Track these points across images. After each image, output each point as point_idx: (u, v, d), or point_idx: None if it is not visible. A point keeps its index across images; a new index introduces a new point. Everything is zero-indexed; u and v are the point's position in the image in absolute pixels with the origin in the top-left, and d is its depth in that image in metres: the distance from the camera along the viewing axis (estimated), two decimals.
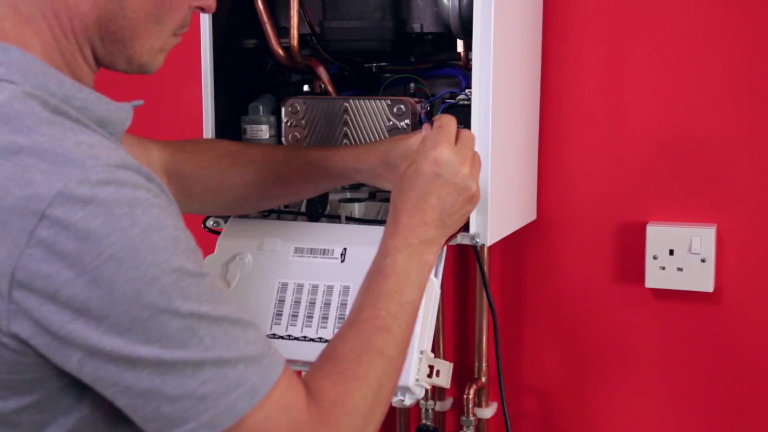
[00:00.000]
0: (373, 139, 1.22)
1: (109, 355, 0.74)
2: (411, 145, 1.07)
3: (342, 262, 1.13)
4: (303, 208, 1.27)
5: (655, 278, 1.33)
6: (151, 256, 0.74)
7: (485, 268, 1.40)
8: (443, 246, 1.01)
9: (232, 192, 1.16)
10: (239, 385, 0.78)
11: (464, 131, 1.01)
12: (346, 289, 1.11)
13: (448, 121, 1.01)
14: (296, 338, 1.11)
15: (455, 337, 1.47)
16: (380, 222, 1.22)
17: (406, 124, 1.21)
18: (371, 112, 1.22)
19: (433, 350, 1.46)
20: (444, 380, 1.08)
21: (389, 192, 1.12)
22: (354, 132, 1.23)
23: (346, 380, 0.88)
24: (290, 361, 1.09)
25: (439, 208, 0.98)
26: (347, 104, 1.23)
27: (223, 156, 1.16)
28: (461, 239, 1.15)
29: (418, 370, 1.05)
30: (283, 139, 1.27)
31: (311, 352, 1.09)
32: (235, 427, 0.78)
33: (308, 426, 0.83)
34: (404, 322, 0.94)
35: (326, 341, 1.08)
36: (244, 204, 1.19)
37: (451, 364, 1.09)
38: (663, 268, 1.32)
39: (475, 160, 1.01)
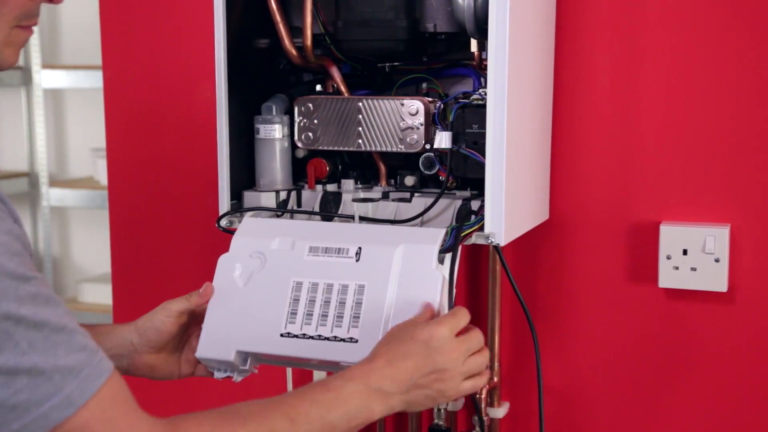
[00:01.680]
0: (386, 139, 1.22)
1: None
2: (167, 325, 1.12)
3: (357, 261, 1.13)
4: (316, 207, 1.27)
5: (668, 278, 1.33)
6: None
7: (497, 267, 1.40)
8: (386, 413, 1.01)
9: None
10: (53, 395, 0.77)
11: (475, 331, 1.06)
12: (361, 288, 1.11)
13: (461, 313, 1.05)
14: (311, 337, 1.11)
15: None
16: (394, 222, 1.22)
17: (420, 124, 1.21)
18: (384, 112, 1.22)
19: None
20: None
21: (404, 190, 1.12)
22: (367, 132, 1.23)
23: (216, 426, 0.88)
24: (304, 360, 1.10)
25: (411, 374, 1.00)
26: (360, 104, 1.23)
27: None
28: (476, 239, 1.15)
29: None
30: (296, 138, 1.27)
31: (326, 351, 1.09)
32: None
33: None
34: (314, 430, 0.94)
35: (341, 340, 1.08)
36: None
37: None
38: (676, 268, 1.32)
39: (468, 362, 1.03)
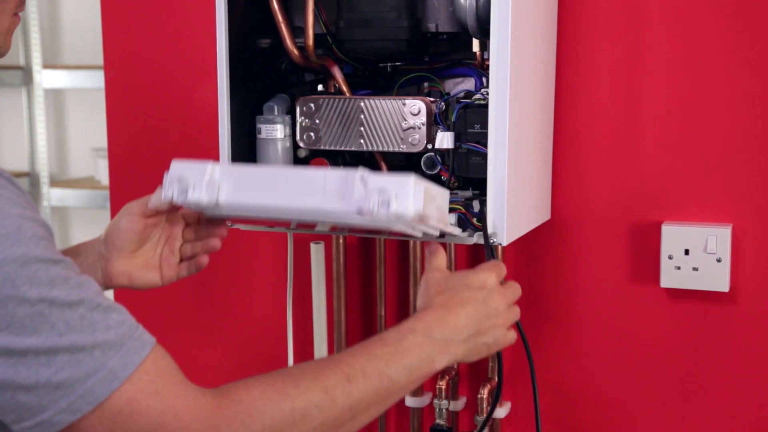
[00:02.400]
0: (387, 139, 1.22)
1: None
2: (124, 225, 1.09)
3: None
4: None
5: (670, 278, 1.33)
6: None
7: None
8: (449, 363, 0.99)
9: None
10: (97, 371, 0.78)
11: (513, 282, 1.08)
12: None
13: (501, 264, 1.08)
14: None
15: None
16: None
17: (422, 124, 1.21)
18: (386, 112, 1.22)
19: None
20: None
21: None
22: (368, 131, 1.23)
23: (266, 389, 0.86)
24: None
25: (474, 321, 1.00)
26: (362, 104, 1.23)
27: None
28: (477, 239, 1.15)
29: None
30: (297, 138, 1.27)
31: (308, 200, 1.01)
32: (98, 411, 0.78)
33: (190, 413, 0.82)
34: (372, 389, 0.91)
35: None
36: None
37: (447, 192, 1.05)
38: (678, 268, 1.32)
39: (512, 309, 1.06)
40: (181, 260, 1.15)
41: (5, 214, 0.76)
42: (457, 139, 1.20)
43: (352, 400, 0.89)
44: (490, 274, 1.04)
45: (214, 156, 1.28)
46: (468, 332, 1.00)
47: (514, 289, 1.08)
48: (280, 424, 0.85)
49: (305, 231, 1.24)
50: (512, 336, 1.06)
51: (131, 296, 1.69)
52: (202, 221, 1.16)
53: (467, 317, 1.00)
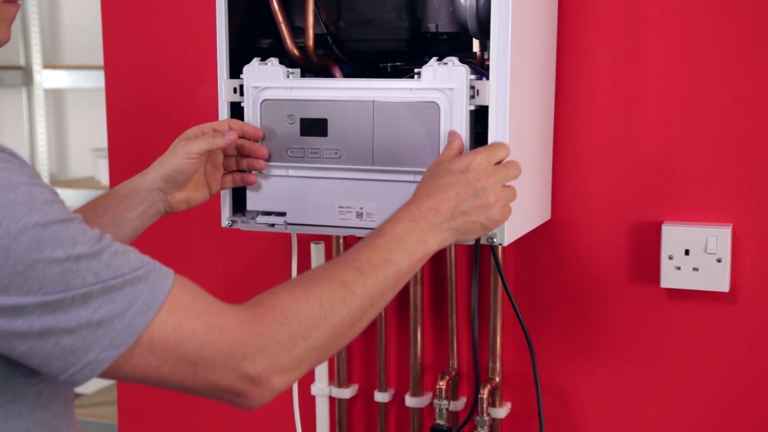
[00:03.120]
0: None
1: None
2: (180, 157, 1.16)
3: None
4: None
5: (670, 278, 1.33)
6: (10, 213, 0.77)
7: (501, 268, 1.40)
8: (442, 244, 1.04)
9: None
10: (131, 304, 0.82)
11: (513, 161, 1.09)
12: None
13: (499, 145, 1.09)
14: None
15: (469, 337, 1.47)
16: None
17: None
18: None
19: (446, 350, 1.47)
20: None
21: None
22: None
23: (293, 292, 0.92)
24: None
25: (454, 203, 1.04)
26: None
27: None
28: (481, 239, 1.15)
29: None
30: None
31: None
32: (143, 342, 0.82)
33: (232, 325, 0.86)
34: (382, 276, 0.97)
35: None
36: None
37: None
38: (678, 268, 1.32)
39: (507, 188, 1.07)
40: (225, 174, 1.24)
41: (15, 184, 0.79)
42: None
43: (368, 288, 0.95)
44: (475, 156, 1.06)
45: None
46: (450, 214, 1.03)
47: (508, 169, 1.08)
48: (313, 320, 0.91)
49: (305, 231, 1.24)
50: (508, 212, 1.08)
51: None
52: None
53: (447, 201, 1.03)
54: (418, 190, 1.06)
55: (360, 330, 0.97)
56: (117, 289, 0.81)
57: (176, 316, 0.84)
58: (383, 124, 1.17)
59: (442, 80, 1.13)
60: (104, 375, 0.83)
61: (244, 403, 0.89)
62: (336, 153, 1.19)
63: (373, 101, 1.17)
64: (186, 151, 1.17)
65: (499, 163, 1.08)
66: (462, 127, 1.13)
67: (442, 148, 1.14)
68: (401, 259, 0.99)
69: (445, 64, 1.14)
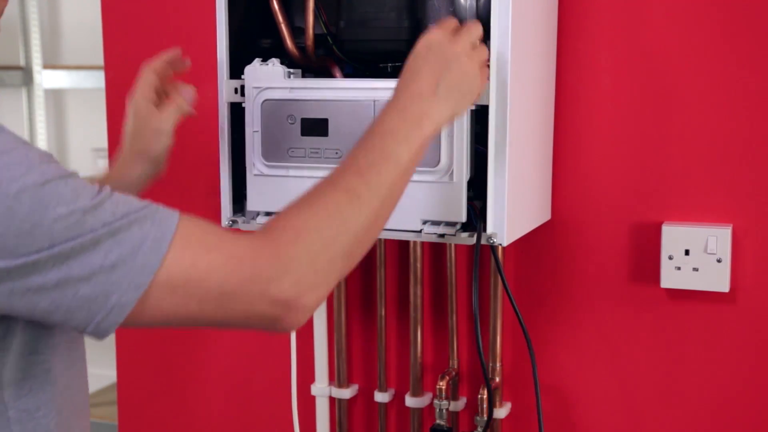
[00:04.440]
0: None
1: (8, 273, 0.78)
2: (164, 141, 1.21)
3: None
4: None
5: (670, 278, 1.33)
6: (8, 174, 0.78)
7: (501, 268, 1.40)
8: (438, 124, 1.02)
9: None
10: (142, 243, 0.82)
11: (470, 23, 1.07)
12: None
13: (447, 20, 1.08)
14: None
15: (469, 337, 1.47)
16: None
17: None
18: None
19: (446, 350, 1.47)
20: None
21: None
22: None
23: (300, 209, 0.91)
24: None
25: (434, 80, 1.01)
26: None
27: None
28: (481, 239, 1.15)
29: None
30: None
31: None
32: (162, 281, 0.82)
33: (249, 253, 0.86)
34: (384, 172, 0.95)
35: None
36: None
37: None
38: (678, 269, 1.32)
39: (476, 49, 1.05)
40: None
41: (10, 148, 0.80)
42: None
43: (373, 188, 0.94)
44: (432, 32, 1.04)
45: (214, 156, 1.28)
46: (434, 91, 1.01)
47: (469, 30, 1.06)
48: (327, 231, 0.90)
49: None
50: (486, 72, 1.07)
51: None
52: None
53: (426, 80, 1.01)
54: (395, 90, 1.03)
55: (378, 231, 0.96)
56: (124, 229, 0.81)
57: (190, 252, 0.84)
58: None
59: None
60: (136, 322, 0.83)
61: (280, 327, 0.88)
62: (337, 153, 1.19)
63: (374, 101, 1.17)
64: (162, 129, 1.20)
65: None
66: (462, 127, 1.13)
67: (442, 148, 1.14)
68: (400, 151, 0.97)
69: None
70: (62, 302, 0.80)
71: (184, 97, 1.23)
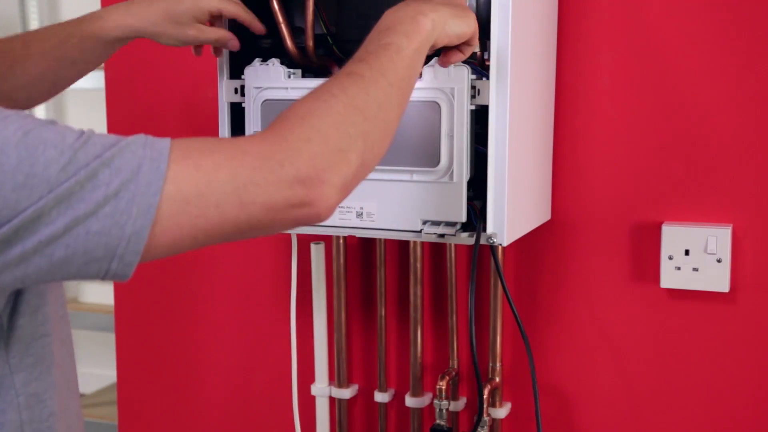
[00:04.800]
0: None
1: (16, 233, 0.76)
2: (198, 2, 1.13)
3: None
4: None
5: (670, 278, 1.33)
6: None
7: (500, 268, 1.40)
8: (442, 27, 1.01)
9: (21, 92, 1.16)
10: (139, 165, 0.78)
11: None
12: None
13: None
14: None
15: (468, 337, 1.47)
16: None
17: None
18: None
19: (446, 350, 1.47)
20: None
21: None
22: None
23: (300, 102, 0.87)
24: None
25: (417, 6, 1.00)
26: None
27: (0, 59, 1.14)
28: (481, 239, 1.15)
29: None
30: None
31: None
32: (172, 195, 0.79)
33: (253, 144, 0.82)
34: (385, 56, 0.93)
35: None
36: (38, 97, 1.19)
37: None
38: (678, 269, 1.32)
39: None
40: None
41: None
42: None
43: (375, 69, 0.92)
44: None
45: None
46: (424, 3, 1.00)
47: None
48: (332, 109, 0.86)
49: (305, 231, 1.24)
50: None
51: (132, 291, 1.69)
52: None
53: (412, 8, 1.00)
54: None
55: (393, 114, 0.92)
56: (118, 157, 0.78)
57: (192, 160, 0.79)
58: None
59: (442, 80, 1.13)
60: (160, 249, 0.80)
61: (312, 211, 0.83)
62: None
63: None
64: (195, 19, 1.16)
65: None
66: (462, 127, 1.13)
67: (442, 148, 1.14)
68: (399, 41, 0.94)
69: None
70: (77, 246, 0.77)
71: (227, 39, 1.19)
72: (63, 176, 0.76)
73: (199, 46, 1.22)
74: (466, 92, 1.13)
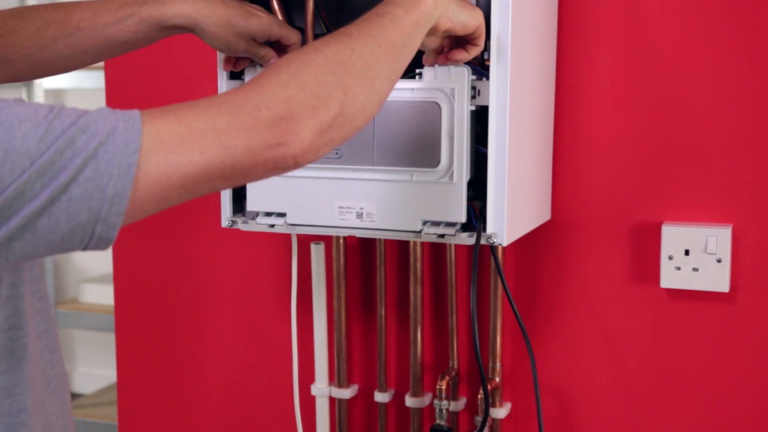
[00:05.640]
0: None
1: (2, 213, 0.75)
2: (264, 24, 1.12)
3: None
4: None
5: (670, 278, 1.33)
6: None
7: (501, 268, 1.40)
8: (444, 8, 1.01)
9: (60, 62, 1.15)
10: (115, 126, 0.78)
11: None
12: None
13: None
14: None
15: (469, 337, 1.47)
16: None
17: None
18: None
19: (446, 350, 1.47)
20: None
21: None
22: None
23: (280, 62, 0.88)
24: None
25: None
26: None
27: (44, 28, 1.12)
28: (481, 239, 1.15)
29: None
30: None
31: None
32: (155, 146, 0.79)
33: (230, 93, 0.83)
34: (377, 22, 0.93)
35: None
36: (72, 68, 1.18)
37: None
38: (678, 269, 1.32)
39: None
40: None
41: None
42: None
43: (364, 30, 0.92)
44: None
45: None
46: None
47: None
48: (315, 60, 0.87)
49: (305, 231, 1.24)
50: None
51: (132, 291, 1.69)
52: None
53: None
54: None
55: (382, 73, 0.92)
56: (92, 122, 0.78)
57: (173, 114, 0.81)
58: (384, 124, 1.17)
59: (443, 80, 1.13)
60: (150, 204, 0.80)
61: (288, 151, 0.84)
62: (336, 153, 1.19)
63: None
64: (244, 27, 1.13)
65: None
66: (462, 127, 1.13)
67: (442, 148, 1.14)
68: (394, 9, 0.95)
69: None
70: (61, 213, 0.77)
71: (270, 57, 1.18)
72: (42, 146, 0.76)
73: (233, 59, 1.21)
74: (467, 92, 1.13)
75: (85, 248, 0.80)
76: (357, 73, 0.90)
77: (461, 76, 1.13)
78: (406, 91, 1.15)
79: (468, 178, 1.15)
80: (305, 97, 0.85)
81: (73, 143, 0.77)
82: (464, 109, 1.13)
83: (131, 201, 0.78)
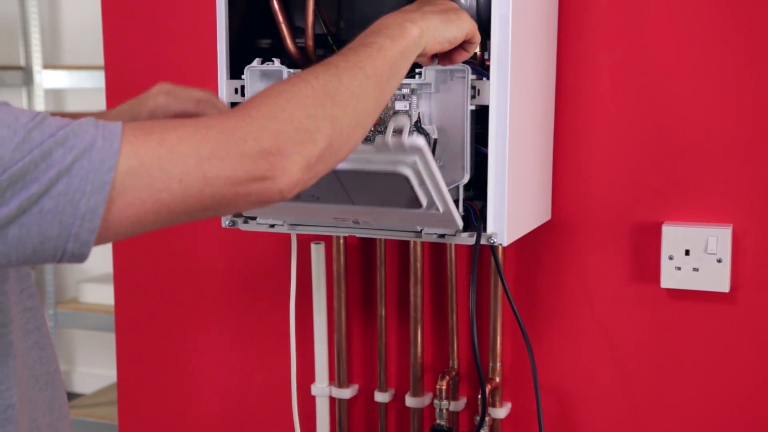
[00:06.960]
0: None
1: None
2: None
3: None
4: None
5: (670, 278, 1.33)
6: None
7: (501, 268, 1.40)
8: (431, 34, 1.02)
9: None
10: (94, 141, 0.77)
11: None
12: None
13: None
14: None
15: (469, 337, 1.47)
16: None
17: None
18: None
19: (446, 350, 1.47)
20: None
21: None
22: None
23: (270, 87, 0.88)
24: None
25: (417, 7, 1.03)
26: None
27: None
28: (481, 239, 1.15)
29: None
30: None
31: None
32: (133, 169, 0.78)
33: (218, 119, 0.82)
34: (364, 52, 0.93)
35: None
36: None
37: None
38: (678, 269, 1.32)
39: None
40: None
41: None
42: None
43: (351, 61, 0.92)
44: None
45: None
46: (417, 10, 1.01)
47: None
48: (301, 91, 0.87)
49: (305, 231, 1.24)
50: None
51: (132, 291, 1.69)
52: None
53: (410, 10, 1.01)
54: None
55: (369, 105, 0.92)
56: (72, 137, 0.77)
57: (156, 135, 0.79)
58: (353, 188, 1.12)
59: (398, 153, 1.10)
60: (123, 227, 0.79)
61: (274, 186, 0.83)
62: (312, 196, 1.17)
63: None
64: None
65: None
66: (462, 127, 1.13)
67: (419, 195, 1.10)
68: (381, 40, 0.95)
69: None
70: (31, 224, 0.76)
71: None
72: (17, 155, 0.75)
73: None
74: (467, 92, 1.13)
75: (59, 261, 0.79)
76: (345, 105, 0.89)
77: (461, 76, 1.12)
78: (406, 89, 1.15)
79: (468, 177, 1.15)
80: (293, 131, 0.83)
81: (50, 155, 0.76)
82: (464, 109, 1.13)
83: (104, 220, 0.77)
